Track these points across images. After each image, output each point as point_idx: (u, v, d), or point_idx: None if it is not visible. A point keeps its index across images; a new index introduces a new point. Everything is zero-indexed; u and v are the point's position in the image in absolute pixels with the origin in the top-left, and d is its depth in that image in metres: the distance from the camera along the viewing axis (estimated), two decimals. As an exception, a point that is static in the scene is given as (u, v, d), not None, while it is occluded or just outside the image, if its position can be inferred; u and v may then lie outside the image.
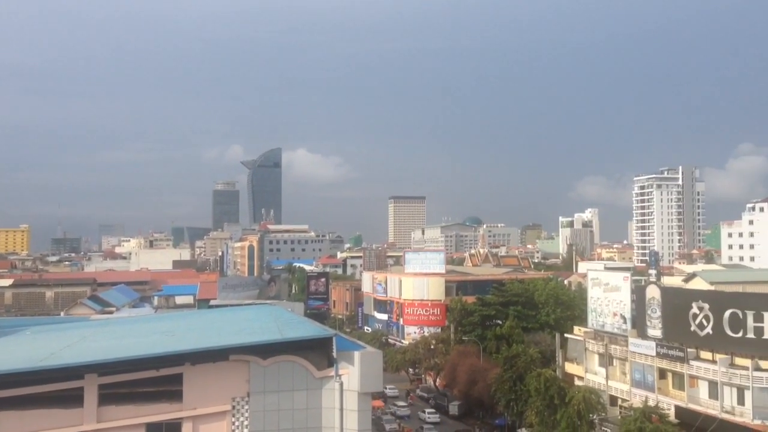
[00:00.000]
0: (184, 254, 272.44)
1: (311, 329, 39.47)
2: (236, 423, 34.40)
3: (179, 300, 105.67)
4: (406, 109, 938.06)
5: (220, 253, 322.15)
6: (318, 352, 35.72)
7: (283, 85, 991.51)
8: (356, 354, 35.44)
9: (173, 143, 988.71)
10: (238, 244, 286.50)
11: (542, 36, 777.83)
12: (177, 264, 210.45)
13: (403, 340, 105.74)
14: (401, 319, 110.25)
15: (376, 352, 37.67)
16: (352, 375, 34.96)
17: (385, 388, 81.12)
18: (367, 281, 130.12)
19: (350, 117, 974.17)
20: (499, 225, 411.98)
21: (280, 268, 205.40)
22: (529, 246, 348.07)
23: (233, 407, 34.53)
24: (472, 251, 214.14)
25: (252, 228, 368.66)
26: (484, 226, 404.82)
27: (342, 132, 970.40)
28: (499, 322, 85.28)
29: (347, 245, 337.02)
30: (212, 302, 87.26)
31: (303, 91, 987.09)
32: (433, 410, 78.19)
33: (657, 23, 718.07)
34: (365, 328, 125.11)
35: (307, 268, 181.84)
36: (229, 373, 34.55)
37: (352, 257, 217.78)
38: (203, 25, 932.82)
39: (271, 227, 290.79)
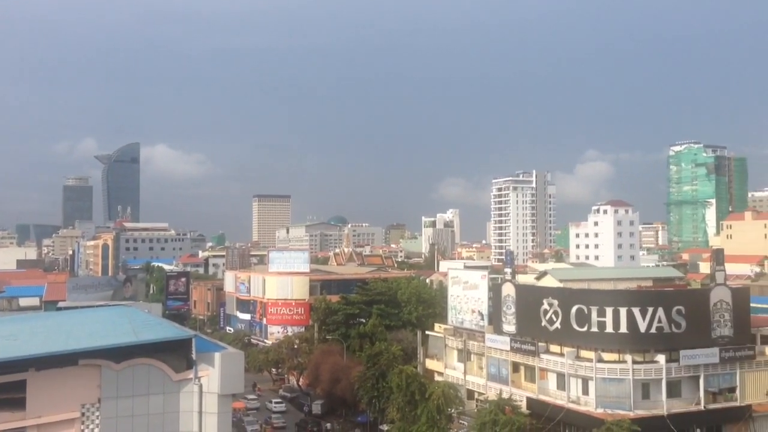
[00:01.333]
0: (30, 253, 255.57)
1: (168, 330, 37.97)
2: (86, 430, 32.55)
3: (23, 302, 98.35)
4: (271, 107, 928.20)
5: (70, 252, 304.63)
6: (176, 355, 34.44)
7: (139, 79, 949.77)
8: (217, 355, 34.49)
9: (17, 135, 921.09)
10: (91, 243, 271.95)
11: (403, 37, 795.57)
12: (22, 264, 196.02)
13: (266, 340, 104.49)
14: (264, 319, 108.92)
15: (237, 353, 36.83)
16: (212, 377, 33.99)
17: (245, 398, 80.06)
18: (230, 281, 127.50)
19: (213, 114, 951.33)
20: (363, 224, 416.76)
21: (137, 267, 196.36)
22: (393, 245, 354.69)
23: (83, 414, 32.64)
24: (337, 250, 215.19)
25: (107, 226, 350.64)
26: (349, 225, 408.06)
27: (205, 129, 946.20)
28: (363, 320, 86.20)
29: (209, 244, 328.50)
30: (61, 304, 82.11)
31: (161, 86, 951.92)
32: (279, 400, 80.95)
33: (510, 29, 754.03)
34: (227, 328, 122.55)
35: (167, 267, 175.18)
36: (78, 379, 32.61)
37: (215, 256, 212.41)
38: (50, 9, 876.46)
39: (128, 225, 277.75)
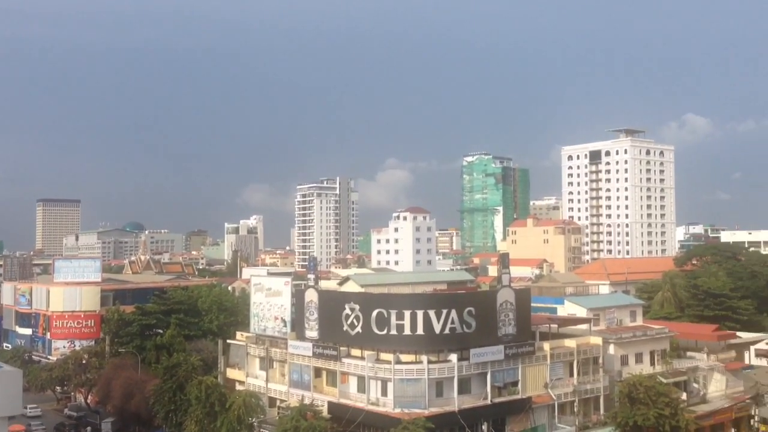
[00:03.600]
0: None
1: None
2: None
3: None
4: (57, 104, 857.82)
5: None
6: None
7: None
8: (-11, 375, 31.28)
9: None
10: None
11: (210, 39, 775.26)
12: None
13: (50, 357, 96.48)
14: (48, 333, 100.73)
15: (13, 372, 33.88)
16: (-18, 400, 30.73)
17: (26, 408, 73.74)
18: (8, 293, 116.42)
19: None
20: (162, 231, 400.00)
21: None
22: (194, 252, 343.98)
23: None
24: (133, 258, 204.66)
25: None
26: (147, 232, 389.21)
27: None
28: (161, 331, 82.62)
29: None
30: None
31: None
32: (34, 405, 78.85)
33: (308, 36, 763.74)
34: (4, 345, 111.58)
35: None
36: None
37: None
38: None
39: None
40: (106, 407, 75.10)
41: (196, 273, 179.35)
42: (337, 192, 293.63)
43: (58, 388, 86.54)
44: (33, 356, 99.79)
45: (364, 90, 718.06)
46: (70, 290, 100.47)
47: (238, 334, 74.21)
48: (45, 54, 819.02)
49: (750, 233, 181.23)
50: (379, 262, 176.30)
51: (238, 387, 67.89)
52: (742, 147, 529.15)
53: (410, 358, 56.24)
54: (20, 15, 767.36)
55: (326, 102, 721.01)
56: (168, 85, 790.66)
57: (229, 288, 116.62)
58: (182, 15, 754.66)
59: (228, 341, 74.58)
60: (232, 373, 71.54)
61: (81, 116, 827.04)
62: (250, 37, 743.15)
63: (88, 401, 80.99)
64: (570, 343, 62.71)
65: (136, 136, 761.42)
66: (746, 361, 78.79)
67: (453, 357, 55.68)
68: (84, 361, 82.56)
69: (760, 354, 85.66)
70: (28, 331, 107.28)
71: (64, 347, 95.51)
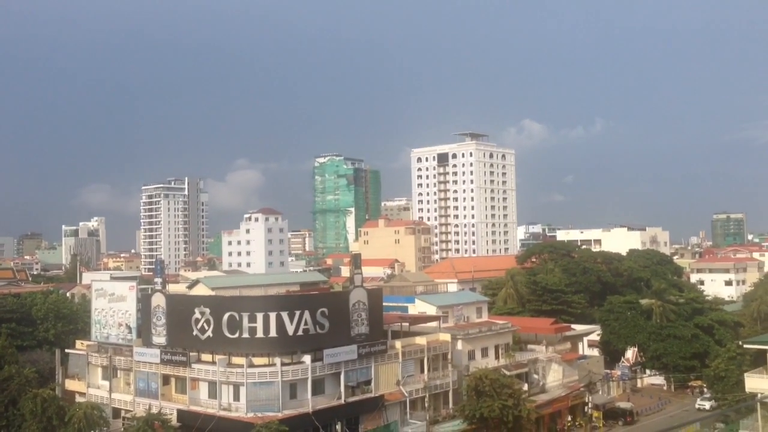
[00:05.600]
0: None
1: None
2: None
3: None
4: None
5: None
6: None
7: None
8: None
9: None
10: None
11: (43, 29, 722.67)
12: None
13: None
14: None
15: None
16: None
17: None
18: None
19: None
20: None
21: None
22: (28, 257, 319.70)
23: None
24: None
25: None
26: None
27: None
28: (-10, 342, 76.06)
29: None
30: None
31: None
32: None
33: (162, 36, 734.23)
34: None
35: None
36: None
37: None
38: None
39: None
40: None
41: (30, 279, 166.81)
42: (186, 193, 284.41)
43: None
44: None
45: (210, 88, 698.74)
46: None
47: (78, 343, 70.29)
48: None
49: (582, 232, 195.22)
50: (230, 264, 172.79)
51: (79, 399, 64.08)
52: (574, 152, 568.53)
53: (263, 361, 55.65)
54: None
55: (167, 100, 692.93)
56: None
57: (68, 294, 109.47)
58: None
59: (67, 351, 70.41)
60: (71, 385, 67.60)
61: None
62: (72, 25, 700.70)
63: None
64: (421, 340, 64.62)
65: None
66: (580, 352, 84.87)
67: (307, 358, 55.70)
68: None
69: (591, 344, 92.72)
70: None
71: None
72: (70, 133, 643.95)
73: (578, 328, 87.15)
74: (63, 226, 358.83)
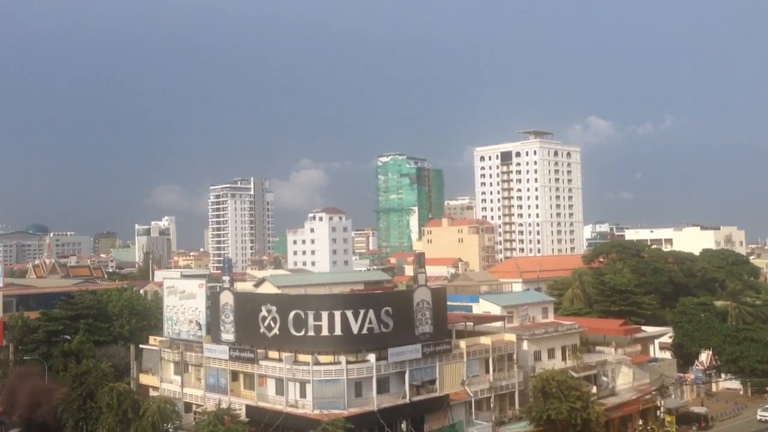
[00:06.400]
0: None
1: None
2: None
3: None
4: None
5: None
6: None
7: None
8: None
9: None
10: None
11: (115, 39, 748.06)
12: None
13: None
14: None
15: None
16: None
17: None
18: None
19: None
20: (68, 233, 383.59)
21: None
22: (103, 255, 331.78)
23: None
24: (37, 262, 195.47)
25: None
26: (51, 234, 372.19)
27: None
28: (68, 337, 79.42)
29: None
30: None
31: None
32: None
33: (221, 35, 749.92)
34: None
35: None
36: None
37: None
38: None
39: None
40: (11, 417, 71.60)
41: (106, 276, 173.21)
42: (252, 192, 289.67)
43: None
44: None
45: (275, 90, 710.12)
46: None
47: (151, 339, 72.32)
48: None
49: (652, 231, 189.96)
50: (295, 263, 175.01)
51: (152, 393, 66.11)
52: (642, 149, 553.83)
53: (328, 359, 56.19)
54: None
55: (235, 103, 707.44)
56: (67, 82, 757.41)
57: (141, 291, 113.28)
58: (74, 7, 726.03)
59: (140, 346, 72.64)
60: (145, 379, 69.67)
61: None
62: (145, 34, 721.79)
63: (-10, 412, 76.95)
64: (485, 340, 64.12)
65: (35, 135, 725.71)
66: (651, 354, 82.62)
67: (371, 357, 55.98)
68: (-15, 371, 78.46)
69: (663, 347, 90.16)
70: None
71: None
72: (142, 137, 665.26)
73: (649, 330, 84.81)
74: (136, 225, 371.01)
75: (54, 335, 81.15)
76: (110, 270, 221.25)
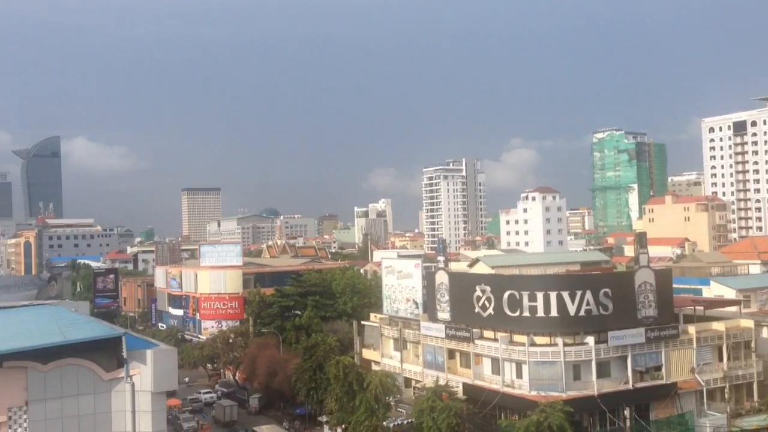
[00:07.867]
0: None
1: (97, 329, 36.87)
2: (12, 436, 31.35)
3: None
4: (197, 99, 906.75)
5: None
6: (106, 353, 33.54)
7: (52, 69, 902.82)
8: (149, 353, 33.73)
9: None
10: (12, 241, 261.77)
11: (332, 32, 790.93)
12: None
13: (200, 336, 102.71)
14: (198, 314, 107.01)
15: (170, 350, 36.19)
16: (144, 375, 33.24)
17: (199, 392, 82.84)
18: (161, 276, 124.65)
19: (136, 105, 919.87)
20: (296, 216, 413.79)
21: (63, 265, 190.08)
22: (326, 236, 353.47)
23: (9, 418, 31.48)
24: (270, 243, 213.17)
25: (28, 223, 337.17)
26: (281, 217, 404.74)
27: (127, 121, 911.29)
28: (298, 312, 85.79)
29: (138, 239, 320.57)
30: (-19, 305, 78.57)
31: (77, 76, 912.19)
32: (208, 390, 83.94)
33: (426, 17, 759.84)
34: (160, 325, 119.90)
35: (94, 264, 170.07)
36: (3, 382, 31.40)
37: (144, 252, 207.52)
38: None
39: (51, 222, 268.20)
40: (253, 384, 79.16)
41: (329, 256, 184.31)
42: (464, 173, 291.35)
43: (209, 365, 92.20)
44: (185, 335, 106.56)
45: (483, 70, 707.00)
46: (215, 273, 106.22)
47: (372, 316, 75.77)
48: (180, 52, 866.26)
49: None
50: (508, 244, 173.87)
51: (374, 367, 69.42)
52: None
53: (545, 340, 55.36)
54: (155, 12, 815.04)
55: (446, 85, 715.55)
56: (296, 75, 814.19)
57: (361, 271, 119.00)
58: (306, 6, 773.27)
59: (362, 323, 76.35)
60: (367, 354, 73.27)
61: (218, 110, 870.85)
62: (376, 27, 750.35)
63: (237, 378, 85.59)
64: (718, 326, 59.39)
65: (268, 127, 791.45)
66: None
67: (590, 340, 54.29)
68: (230, 341, 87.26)
69: None
70: (179, 312, 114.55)
71: (212, 327, 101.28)
72: (359, 125, 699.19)
73: None
74: (355, 208, 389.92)
75: (286, 310, 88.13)
76: (333, 250, 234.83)
